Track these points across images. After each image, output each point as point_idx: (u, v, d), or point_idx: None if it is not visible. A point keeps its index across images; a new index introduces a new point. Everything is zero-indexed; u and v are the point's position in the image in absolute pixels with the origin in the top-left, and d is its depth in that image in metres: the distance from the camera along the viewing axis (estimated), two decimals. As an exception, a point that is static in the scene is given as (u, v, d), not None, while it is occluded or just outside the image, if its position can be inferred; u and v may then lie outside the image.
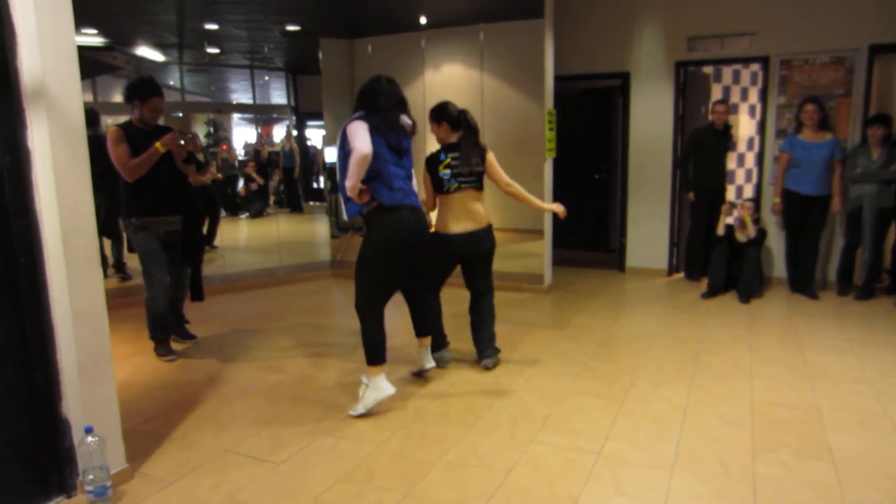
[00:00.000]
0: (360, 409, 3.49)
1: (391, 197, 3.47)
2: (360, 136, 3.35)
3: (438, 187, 4.03)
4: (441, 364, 4.23)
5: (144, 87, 4.16)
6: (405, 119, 3.63)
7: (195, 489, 2.78)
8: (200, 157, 4.79)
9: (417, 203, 3.63)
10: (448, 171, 3.99)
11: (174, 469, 2.95)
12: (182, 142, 4.22)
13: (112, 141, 4.06)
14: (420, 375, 4.06)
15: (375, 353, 3.52)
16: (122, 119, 4.37)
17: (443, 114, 4.06)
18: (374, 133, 3.41)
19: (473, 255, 4.13)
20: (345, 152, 3.43)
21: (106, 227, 6.18)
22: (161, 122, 4.37)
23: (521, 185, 4.21)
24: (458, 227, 4.02)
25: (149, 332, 4.49)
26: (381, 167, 3.45)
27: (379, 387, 3.49)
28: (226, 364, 4.36)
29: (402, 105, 3.61)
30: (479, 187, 4.07)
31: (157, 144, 4.09)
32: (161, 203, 4.29)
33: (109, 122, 7.46)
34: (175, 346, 4.69)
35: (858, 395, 3.71)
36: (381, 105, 3.50)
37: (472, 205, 4.04)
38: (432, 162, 4.05)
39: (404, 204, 3.52)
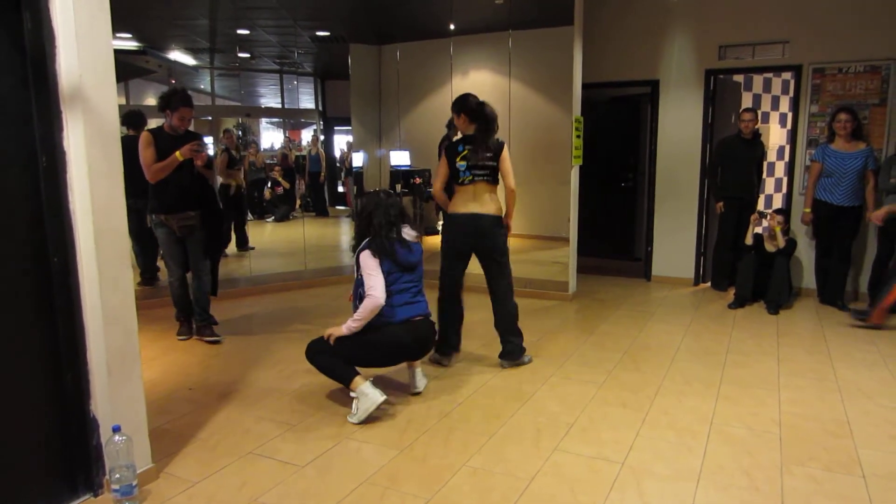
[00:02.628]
0: (354, 419, 3.45)
1: (399, 313, 3.58)
2: (375, 277, 3.46)
3: (455, 177, 4.14)
4: (442, 363, 4.38)
5: (174, 98, 4.56)
6: (409, 231, 3.68)
7: (219, 490, 2.80)
8: (234, 153, 4.97)
9: (425, 310, 3.71)
10: (464, 163, 4.11)
11: (199, 469, 2.97)
12: (199, 151, 4.55)
13: (142, 145, 4.51)
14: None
15: (343, 375, 3.51)
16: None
17: (461, 105, 4.18)
18: (381, 259, 3.50)
19: (475, 236, 4.17)
20: (358, 278, 3.55)
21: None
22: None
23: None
24: (463, 209, 4.14)
25: (175, 314, 5.01)
26: (388, 295, 3.54)
27: (366, 393, 3.44)
28: (251, 366, 4.40)
29: (402, 217, 3.65)
30: (491, 181, 4.17)
31: (177, 153, 4.48)
32: (178, 202, 4.66)
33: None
34: (205, 345, 4.92)
35: (890, 409, 3.64)
36: (376, 224, 3.54)
37: (484, 195, 4.15)
38: (451, 152, 4.16)
39: (411, 318, 3.64)
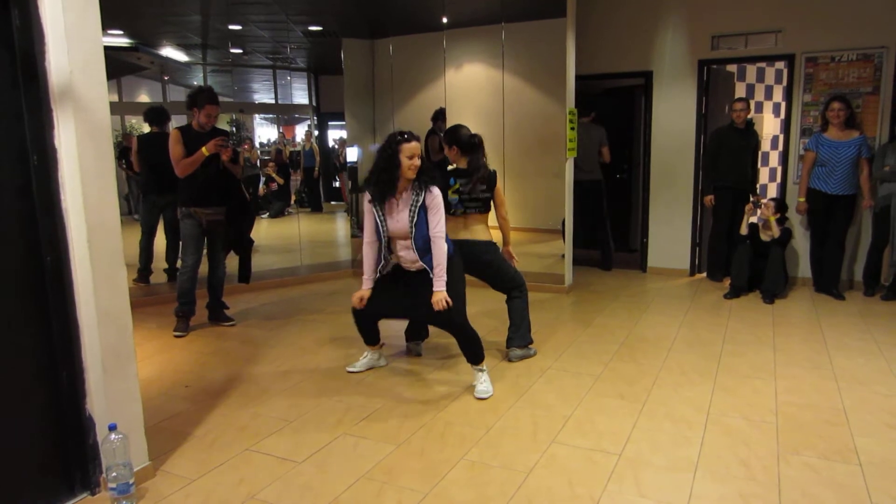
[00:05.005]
0: (486, 394, 3.72)
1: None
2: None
3: (446, 209, 4.10)
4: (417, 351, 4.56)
5: (200, 96, 4.80)
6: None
7: (217, 487, 2.79)
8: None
9: None
10: (456, 197, 4.14)
11: (196, 467, 2.97)
12: (224, 146, 4.77)
13: (171, 141, 4.76)
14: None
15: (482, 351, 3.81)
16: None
17: (453, 138, 4.19)
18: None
19: (465, 261, 4.20)
20: (426, 218, 3.63)
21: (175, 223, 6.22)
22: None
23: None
24: (453, 236, 4.15)
25: (175, 308, 5.03)
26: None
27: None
28: (247, 363, 4.39)
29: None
30: (483, 211, 4.23)
31: (203, 149, 4.70)
32: (207, 195, 4.89)
33: (133, 121, 7.56)
34: (214, 328, 5.24)
35: (886, 397, 3.65)
36: (426, 168, 3.65)
37: (475, 226, 4.21)
38: (443, 184, 4.16)
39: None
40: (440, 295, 3.59)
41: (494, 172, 4.22)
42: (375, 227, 3.74)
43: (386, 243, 3.75)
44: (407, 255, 3.73)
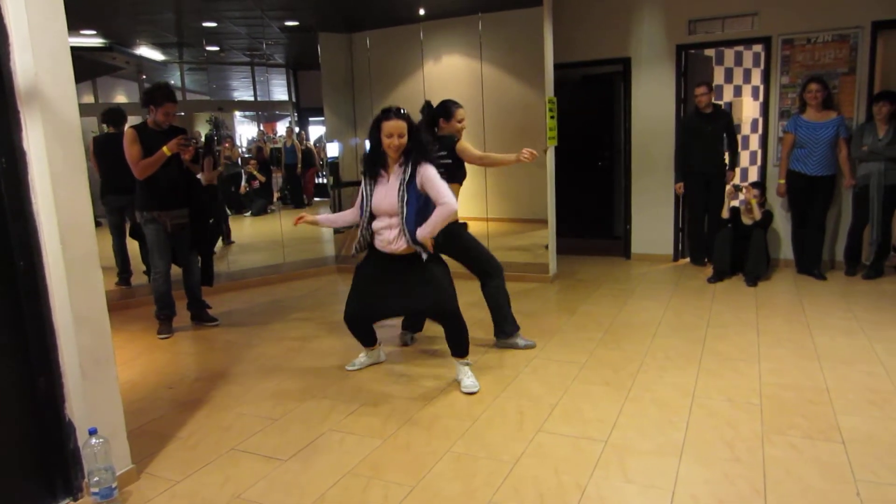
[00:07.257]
0: (473, 389, 3.69)
1: None
2: (447, 186, 3.51)
3: None
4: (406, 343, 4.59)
5: (158, 93, 4.59)
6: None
7: (202, 488, 2.77)
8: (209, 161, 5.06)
9: None
10: None
11: (180, 468, 2.95)
12: (187, 145, 4.58)
13: (127, 141, 4.51)
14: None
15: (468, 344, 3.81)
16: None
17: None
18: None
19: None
20: (418, 196, 3.49)
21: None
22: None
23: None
24: None
25: (154, 312, 4.95)
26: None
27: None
28: (231, 362, 4.36)
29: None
30: (449, 179, 3.98)
31: (164, 148, 4.49)
32: (169, 198, 4.71)
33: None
34: (197, 329, 5.18)
35: (868, 375, 3.68)
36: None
37: None
38: None
39: None
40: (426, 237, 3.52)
41: (455, 139, 4.13)
42: (362, 202, 3.68)
43: (367, 219, 3.63)
44: (388, 234, 3.56)
